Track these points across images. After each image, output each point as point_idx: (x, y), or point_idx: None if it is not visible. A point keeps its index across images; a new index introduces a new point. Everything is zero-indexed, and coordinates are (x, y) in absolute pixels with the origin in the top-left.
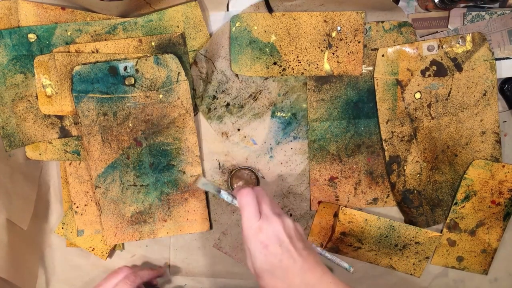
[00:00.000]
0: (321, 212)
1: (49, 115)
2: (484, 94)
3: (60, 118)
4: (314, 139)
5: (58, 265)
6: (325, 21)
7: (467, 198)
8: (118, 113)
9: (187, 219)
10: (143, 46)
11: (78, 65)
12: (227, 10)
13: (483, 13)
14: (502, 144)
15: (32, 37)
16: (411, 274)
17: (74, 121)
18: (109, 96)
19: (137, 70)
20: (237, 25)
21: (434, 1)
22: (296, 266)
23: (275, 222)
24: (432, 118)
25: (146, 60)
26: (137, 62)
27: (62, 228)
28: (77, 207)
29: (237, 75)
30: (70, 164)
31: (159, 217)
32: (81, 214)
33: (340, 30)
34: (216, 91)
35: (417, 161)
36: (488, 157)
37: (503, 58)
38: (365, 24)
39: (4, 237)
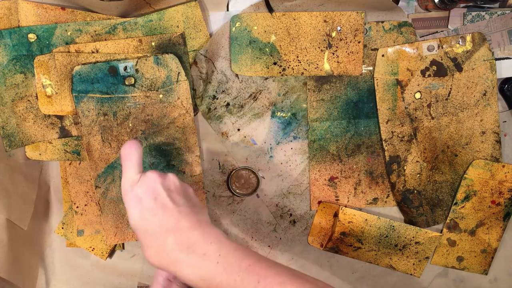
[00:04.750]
0: (321, 212)
1: (49, 115)
2: (484, 94)
3: (60, 118)
4: (314, 139)
5: (58, 265)
6: (325, 21)
7: (467, 198)
8: (118, 113)
9: None
10: (143, 46)
11: (78, 65)
12: (227, 10)
13: (483, 13)
14: (502, 144)
15: (32, 37)
16: (411, 274)
17: (74, 121)
18: (109, 96)
19: (137, 70)
20: (237, 25)
21: (434, 1)
22: (170, 222)
23: (154, 175)
24: (432, 118)
25: (146, 60)
26: (137, 62)
27: (62, 228)
28: (77, 207)
29: (237, 75)
30: (70, 164)
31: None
32: (81, 214)
33: (340, 30)
34: (216, 91)
35: (417, 161)
36: (488, 157)
37: (503, 58)
38: (365, 24)
39: (4, 237)
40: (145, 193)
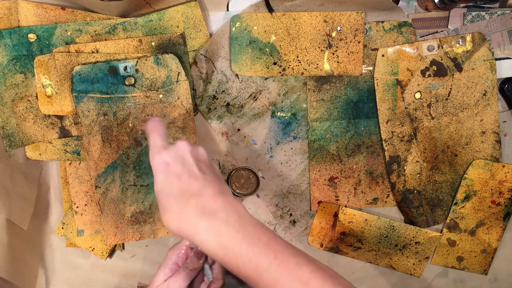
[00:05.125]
0: (321, 212)
1: (49, 115)
2: (484, 94)
3: (60, 118)
4: (314, 139)
5: (58, 265)
6: (325, 21)
7: (467, 198)
8: (118, 113)
9: None
10: (143, 46)
11: (78, 65)
12: (227, 10)
13: (483, 13)
14: (502, 144)
15: (32, 37)
16: (411, 274)
17: (74, 121)
18: (109, 96)
19: (137, 70)
20: (237, 25)
21: (434, 1)
22: (194, 188)
23: (184, 143)
24: (432, 118)
25: (146, 60)
26: (137, 62)
27: (62, 228)
28: (77, 207)
29: (237, 75)
30: (70, 164)
31: (159, 217)
32: (81, 214)
33: (340, 30)
34: (216, 91)
35: (417, 161)
36: (488, 157)
37: (503, 58)
38: (365, 24)
39: (4, 237)
40: (173, 159)
